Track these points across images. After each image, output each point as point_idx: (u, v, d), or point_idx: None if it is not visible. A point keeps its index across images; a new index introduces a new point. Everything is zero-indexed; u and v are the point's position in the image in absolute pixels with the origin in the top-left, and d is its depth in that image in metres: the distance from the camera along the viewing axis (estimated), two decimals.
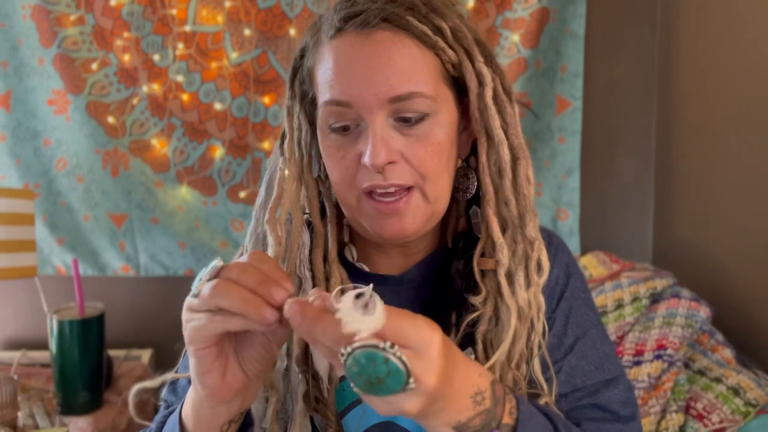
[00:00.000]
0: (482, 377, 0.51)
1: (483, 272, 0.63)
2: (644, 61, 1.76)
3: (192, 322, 0.49)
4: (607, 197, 1.81)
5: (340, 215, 0.70)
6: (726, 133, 1.44)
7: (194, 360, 0.51)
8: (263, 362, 0.53)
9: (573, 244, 1.76)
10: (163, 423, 0.64)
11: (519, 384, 0.62)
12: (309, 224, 0.70)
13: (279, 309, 0.47)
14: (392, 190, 0.60)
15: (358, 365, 0.42)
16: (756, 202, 1.31)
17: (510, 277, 0.61)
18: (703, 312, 1.26)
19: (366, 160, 0.58)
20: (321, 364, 0.52)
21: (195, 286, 0.49)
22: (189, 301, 0.50)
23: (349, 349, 0.42)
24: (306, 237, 0.68)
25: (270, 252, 0.63)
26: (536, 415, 0.56)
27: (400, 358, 0.42)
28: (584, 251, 1.72)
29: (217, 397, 0.52)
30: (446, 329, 0.63)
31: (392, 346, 0.42)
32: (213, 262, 0.50)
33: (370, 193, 0.61)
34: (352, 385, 0.43)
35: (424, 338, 0.43)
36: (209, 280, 0.48)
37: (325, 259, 0.68)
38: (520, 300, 0.60)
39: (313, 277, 0.66)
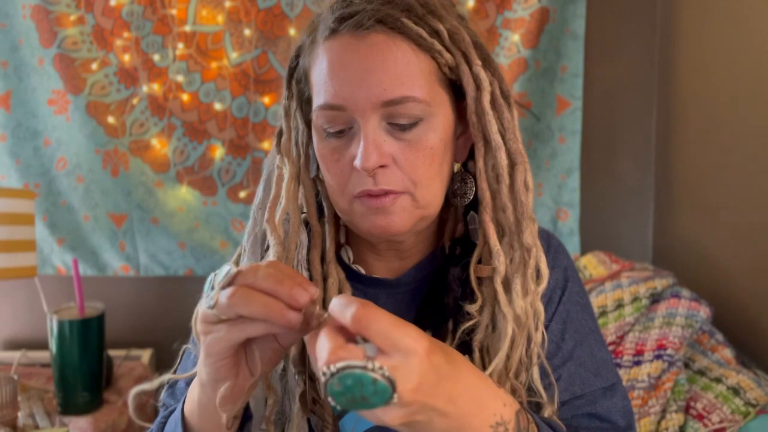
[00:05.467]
0: (507, 407, 0.51)
1: (480, 279, 0.62)
2: (644, 61, 1.76)
3: (211, 334, 0.49)
4: (607, 197, 1.81)
5: (337, 215, 0.70)
6: (726, 133, 1.44)
7: (210, 370, 0.51)
8: (271, 364, 0.54)
9: (573, 244, 1.76)
10: (163, 424, 0.64)
11: (518, 393, 0.61)
12: (306, 224, 0.70)
13: (299, 310, 0.46)
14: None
15: (342, 385, 0.41)
16: (756, 202, 1.31)
17: (507, 284, 0.61)
18: (703, 312, 1.26)
19: (357, 162, 0.57)
20: None
21: (210, 294, 0.48)
22: (205, 312, 0.49)
23: (333, 369, 0.41)
24: (304, 237, 0.67)
25: (271, 252, 0.62)
26: None
27: (388, 378, 0.41)
28: (584, 251, 1.71)
29: (229, 400, 0.53)
30: (442, 337, 0.63)
31: (374, 364, 0.41)
32: (225, 267, 0.49)
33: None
34: (329, 399, 0.42)
35: (406, 347, 0.43)
36: (223, 287, 0.47)
37: (323, 259, 0.68)
38: (517, 308, 0.59)
39: (311, 278, 0.66)
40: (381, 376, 0.41)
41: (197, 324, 0.51)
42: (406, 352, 0.43)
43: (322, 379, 0.42)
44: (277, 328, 0.47)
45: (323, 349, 0.43)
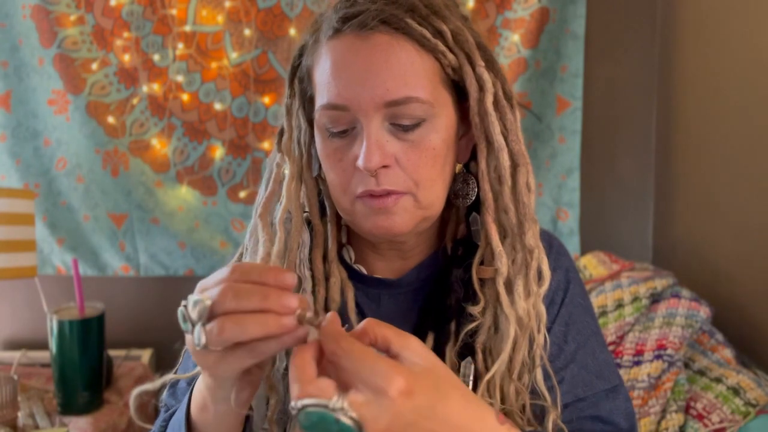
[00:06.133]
0: None
1: (482, 281, 0.63)
2: (644, 61, 1.76)
3: (216, 367, 0.48)
4: (607, 197, 1.81)
5: (339, 215, 0.70)
6: (726, 133, 1.44)
7: (225, 388, 0.51)
8: (275, 357, 0.54)
9: (573, 244, 1.76)
10: (164, 428, 0.64)
11: (522, 395, 0.61)
12: (308, 223, 0.70)
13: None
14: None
15: (308, 421, 0.42)
16: (756, 202, 1.31)
17: (509, 286, 0.61)
18: (703, 312, 1.26)
19: (360, 163, 0.57)
20: None
21: (194, 331, 0.46)
22: (198, 352, 0.48)
23: (299, 404, 0.42)
24: (306, 236, 0.67)
25: (260, 247, 0.62)
26: None
27: (351, 418, 0.41)
28: (584, 251, 1.71)
29: (248, 401, 0.53)
30: (445, 338, 0.63)
31: (342, 406, 0.42)
32: (192, 298, 0.46)
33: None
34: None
35: (377, 386, 0.42)
36: (203, 321, 0.45)
37: (325, 258, 0.68)
38: (519, 310, 0.59)
39: (313, 277, 0.66)
40: (343, 416, 0.41)
41: (196, 361, 0.50)
42: (376, 392, 0.42)
43: (292, 413, 0.42)
44: (288, 341, 0.46)
45: (293, 383, 0.43)
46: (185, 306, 0.47)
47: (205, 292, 0.47)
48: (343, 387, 0.44)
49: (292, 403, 0.42)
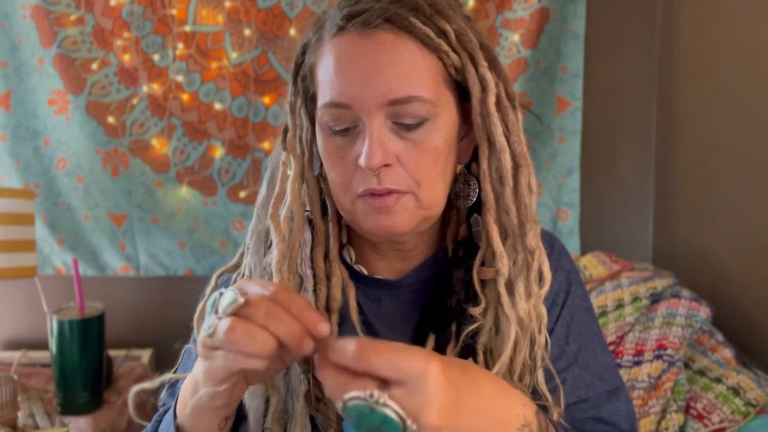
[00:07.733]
0: (527, 407, 0.51)
1: (483, 282, 0.62)
2: (644, 61, 1.76)
3: (209, 361, 0.48)
4: (607, 197, 1.81)
5: (340, 214, 0.70)
6: (726, 133, 1.44)
7: (208, 389, 0.51)
8: (268, 377, 0.54)
9: (573, 244, 1.76)
10: (158, 422, 0.64)
11: None
12: (309, 222, 0.70)
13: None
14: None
15: (352, 417, 0.43)
16: (756, 202, 1.31)
17: (510, 287, 0.61)
18: (703, 312, 1.26)
19: (362, 161, 0.57)
20: None
21: (211, 318, 0.47)
22: (203, 339, 0.48)
23: (340, 403, 0.43)
24: (307, 235, 0.67)
25: (274, 249, 0.62)
26: None
27: (386, 405, 0.42)
28: (584, 251, 1.72)
29: (223, 406, 0.53)
30: (446, 340, 0.63)
31: (372, 395, 0.42)
32: (230, 294, 0.47)
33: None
34: None
35: (416, 370, 0.43)
36: (227, 315, 0.46)
37: (326, 257, 0.68)
38: (520, 311, 0.59)
39: (314, 276, 0.66)
40: (377, 405, 0.42)
41: (197, 347, 0.50)
42: (417, 375, 0.43)
43: (341, 413, 0.43)
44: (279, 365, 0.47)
45: (335, 389, 0.44)
46: (221, 294, 0.48)
47: (247, 294, 0.48)
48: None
49: (338, 404, 0.43)
